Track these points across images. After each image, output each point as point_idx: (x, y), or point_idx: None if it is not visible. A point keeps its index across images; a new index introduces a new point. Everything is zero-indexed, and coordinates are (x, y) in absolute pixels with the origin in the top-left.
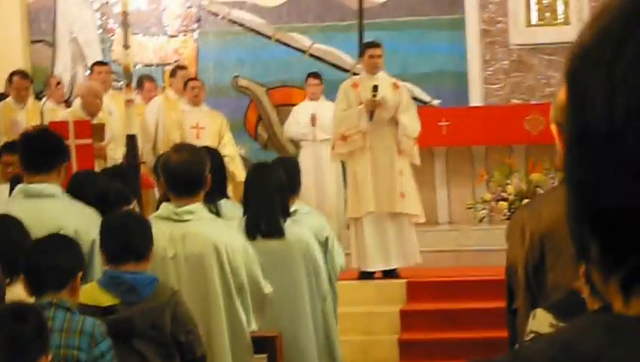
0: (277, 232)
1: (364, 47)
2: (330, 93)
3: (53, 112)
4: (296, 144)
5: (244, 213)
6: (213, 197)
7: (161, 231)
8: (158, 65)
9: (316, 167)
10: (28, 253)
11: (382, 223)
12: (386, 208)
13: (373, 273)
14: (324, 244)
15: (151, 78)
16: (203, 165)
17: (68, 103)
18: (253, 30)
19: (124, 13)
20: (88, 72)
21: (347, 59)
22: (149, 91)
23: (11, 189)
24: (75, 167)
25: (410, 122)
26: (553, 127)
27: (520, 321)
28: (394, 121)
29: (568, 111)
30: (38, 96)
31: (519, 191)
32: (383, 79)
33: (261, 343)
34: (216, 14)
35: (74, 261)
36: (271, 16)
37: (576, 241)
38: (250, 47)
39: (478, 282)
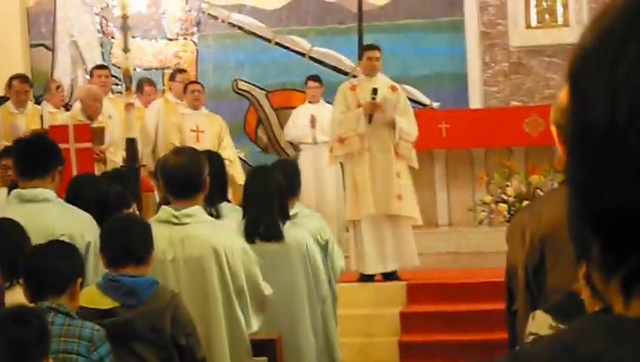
0: (276, 235)
1: (362, 50)
2: (330, 96)
3: (52, 116)
4: (296, 147)
5: (244, 216)
6: (214, 200)
7: (160, 234)
8: (157, 68)
9: (316, 170)
10: (28, 258)
11: (379, 226)
12: (382, 210)
13: (374, 276)
14: (324, 247)
15: (151, 82)
16: (201, 168)
17: (68, 107)
18: (252, 33)
19: (124, 17)
20: (88, 75)
21: (347, 62)
22: (149, 95)
23: (9, 194)
24: (74, 171)
25: (408, 125)
26: (553, 129)
27: (520, 323)
28: (392, 124)
29: (570, 112)
30: (38, 100)
31: (519, 193)
32: (381, 81)
33: (261, 346)
34: (215, 18)
35: (74, 267)
36: (270, 20)
37: (576, 242)
38: (249, 51)
39: (478, 284)
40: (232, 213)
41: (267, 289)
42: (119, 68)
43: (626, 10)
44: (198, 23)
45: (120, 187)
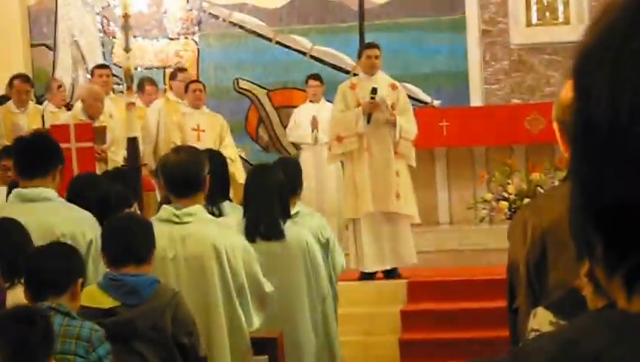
0: (276, 234)
1: (361, 49)
2: (331, 95)
3: (54, 116)
4: (297, 146)
5: (244, 215)
6: (216, 199)
7: (161, 232)
8: (158, 68)
9: (317, 169)
10: (29, 259)
11: (378, 224)
12: (381, 208)
13: (374, 274)
14: (325, 245)
15: (152, 81)
16: (200, 166)
17: (69, 106)
18: (253, 32)
19: (125, 16)
20: (89, 75)
21: (348, 60)
22: (150, 94)
23: (9, 194)
24: (76, 170)
25: (407, 124)
26: (555, 126)
27: (521, 319)
28: (391, 123)
29: (574, 108)
30: (39, 100)
31: (520, 190)
32: (381, 80)
33: (262, 344)
34: (216, 17)
35: (74, 267)
36: (271, 19)
37: (578, 239)
38: (250, 50)
39: (479, 282)
40: (234, 212)
41: (268, 287)
42: (120, 67)
43: (628, 9)
44: (199, 22)
45: (121, 186)
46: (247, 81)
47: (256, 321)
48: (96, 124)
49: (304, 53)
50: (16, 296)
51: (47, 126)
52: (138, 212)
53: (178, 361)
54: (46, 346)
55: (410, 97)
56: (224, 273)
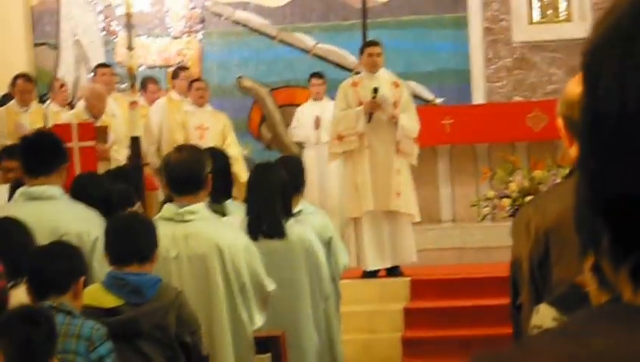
0: (279, 233)
1: (362, 47)
2: (334, 93)
3: (56, 115)
4: (300, 144)
5: (247, 214)
6: (219, 197)
7: (164, 231)
8: (161, 66)
9: (319, 168)
10: (31, 258)
11: (378, 222)
12: (381, 206)
13: (377, 272)
14: (328, 244)
15: (154, 80)
16: (201, 164)
17: (71, 106)
18: (256, 31)
19: (128, 15)
20: (92, 74)
21: (351, 58)
22: (153, 93)
23: (11, 193)
24: (78, 170)
25: (410, 122)
26: (559, 121)
27: (524, 316)
28: (393, 121)
29: (583, 102)
30: (42, 99)
31: (522, 188)
32: (384, 77)
33: (265, 343)
34: (219, 15)
35: (75, 266)
36: (274, 17)
37: (584, 232)
38: (253, 48)
39: (482, 279)
40: (238, 211)
41: (270, 285)
42: (123, 66)
43: (635, 5)
44: (202, 21)
45: (124, 185)
46: (250, 79)
47: (259, 320)
48: (99, 123)
49: (307, 51)
50: (20, 295)
51: (49, 125)
52: (140, 211)
53: (181, 360)
54: (49, 346)
55: (412, 95)
56: (227, 272)
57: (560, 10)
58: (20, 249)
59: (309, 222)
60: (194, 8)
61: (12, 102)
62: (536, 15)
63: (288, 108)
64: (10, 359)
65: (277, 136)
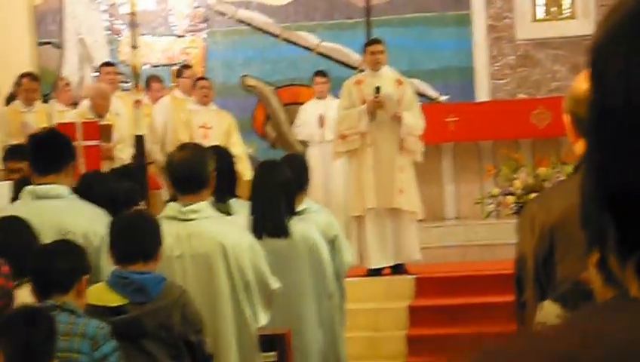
0: (282, 231)
1: (364, 45)
2: (338, 91)
3: (61, 114)
4: (305, 143)
5: (251, 212)
6: (224, 196)
7: (167, 230)
8: (165, 65)
9: (324, 166)
10: (35, 257)
11: (381, 220)
12: (384, 204)
13: (381, 270)
14: (333, 242)
15: (158, 79)
16: (204, 163)
17: (76, 105)
18: (260, 29)
19: (132, 14)
20: (96, 73)
21: (355, 56)
22: (157, 91)
23: (16, 191)
24: (82, 169)
25: (414, 120)
26: (566, 117)
27: (529, 313)
28: (397, 118)
29: (589, 98)
30: (46, 98)
31: (526, 185)
32: (387, 75)
33: (271, 341)
34: (223, 14)
35: (78, 264)
36: (278, 15)
37: (590, 228)
38: (257, 46)
39: (486, 277)
40: (242, 210)
41: (275, 284)
42: (127, 65)
43: (639, 2)
44: (206, 20)
45: (129, 184)
46: (255, 78)
47: (263, 318)
48: (103, 122)
49: (311, 50)
50: (23, 295)
51: (54, 124)
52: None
53: (186, 359)
54: (49, 346)
55: (416, 93)
56: (230, 270)
57: (564, 7)
58: (24, 248)
59: (313, 221)
60: (198, 7)
61: (16, 102)
62: (540, 12)
63: (293, 106)
64: (10, 359)
65: (281, 134)
